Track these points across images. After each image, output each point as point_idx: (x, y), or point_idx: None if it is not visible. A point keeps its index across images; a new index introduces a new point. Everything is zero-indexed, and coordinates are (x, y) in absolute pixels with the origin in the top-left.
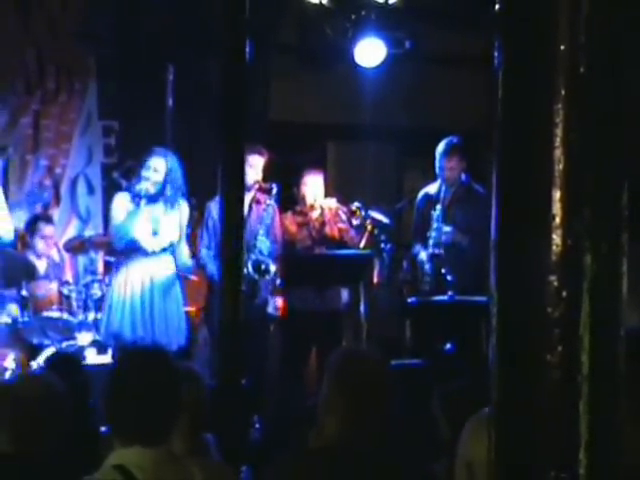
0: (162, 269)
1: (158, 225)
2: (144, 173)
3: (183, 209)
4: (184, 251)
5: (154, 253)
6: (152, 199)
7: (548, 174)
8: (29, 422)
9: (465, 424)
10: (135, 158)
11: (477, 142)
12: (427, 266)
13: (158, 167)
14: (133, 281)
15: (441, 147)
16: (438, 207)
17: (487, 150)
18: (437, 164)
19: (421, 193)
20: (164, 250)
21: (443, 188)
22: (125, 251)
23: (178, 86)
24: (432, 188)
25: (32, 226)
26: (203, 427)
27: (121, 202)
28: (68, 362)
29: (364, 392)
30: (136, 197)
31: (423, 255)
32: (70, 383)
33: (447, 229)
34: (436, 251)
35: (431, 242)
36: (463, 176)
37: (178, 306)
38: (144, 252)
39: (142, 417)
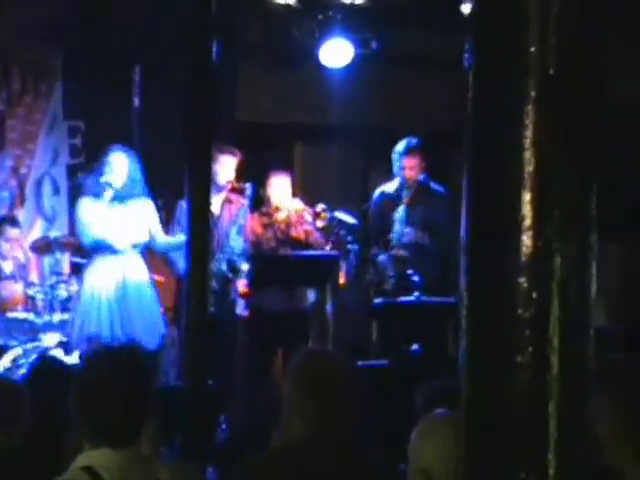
0: (134, 268)
1: (126, 222)
2: (107, 172)
3: (147, 205)
4: (161, 238)
5: (125, 251)
6: (118, 198)
7: (518, 176)
8: None
9: (415, 428)
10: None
11: (443, 143)
12: (389, 268)
13: (120, 165)
14: (106, 281)
15: (401, 147)
16: (400, 209)
17: (454, 151)
18: (396, 164)
19: (377, 191)
20: (135, 247)
21: (402, 188)
22: (95, 249)
23: (145, 86)
24: (389, 187)
25: None
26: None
27: (86, 205)
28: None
29: (326, 392)
30: (103, 197)
31: (383, 257)
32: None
33: (407, 230)
34: (399, 252)
35: (392, 243)
36: (421, 176)
37: (153, 305)
38: (114, 251)
39: (111, 418)
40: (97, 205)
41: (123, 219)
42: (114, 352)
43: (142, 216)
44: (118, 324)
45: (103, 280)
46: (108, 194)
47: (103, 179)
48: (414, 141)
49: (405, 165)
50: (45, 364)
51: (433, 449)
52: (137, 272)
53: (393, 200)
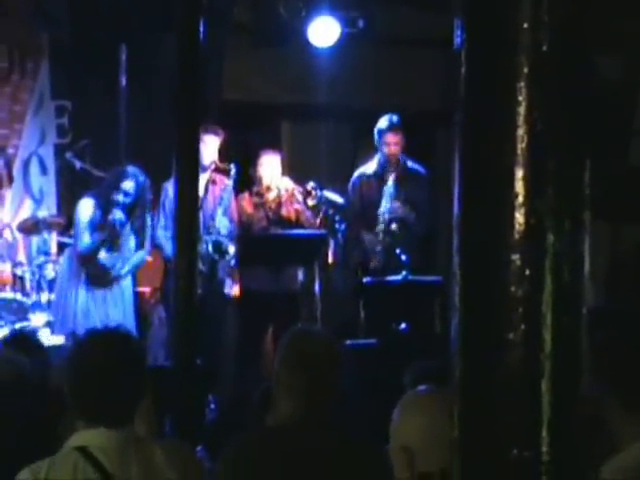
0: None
1: (121, 241)
2: (118, 198)
3: (147, 224)
4: (134, 261)
5: (111, 267)
6: (122, 223)
7: (511, 153)
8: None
9: (397, 405)
10: (88, 138)
11: (431, 122)
12: (377, 244)
13: (129, 190)
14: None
15: (385, 123)
16: (389, 184)
17: (441, 130)
18: (380, 139)
19: (356, 173)
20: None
21: (383, 167)
22: (87, 259)
23: (131, 66)
24: (368, 168)
25: None
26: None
27: (87, 208)
28: (27, 340)
29: (316, 371)
30: (110, 210)
31: (369, 236)
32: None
33: (396, 204)
34: (392, 227)
35: (383, 218)
36: (401, 155)
37: (129, 304)
38: (102, 264)
39: (106, 398)
40: (97, 211)
41: (119, 240)
42: (107, 333)
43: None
44: (94, 312)
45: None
46: (112, 214)
47: (114, 216)
48: (396, 118)
49: (390, 141)
50: (20, 338)
51: (415, 426)
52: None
53: (373, 180)
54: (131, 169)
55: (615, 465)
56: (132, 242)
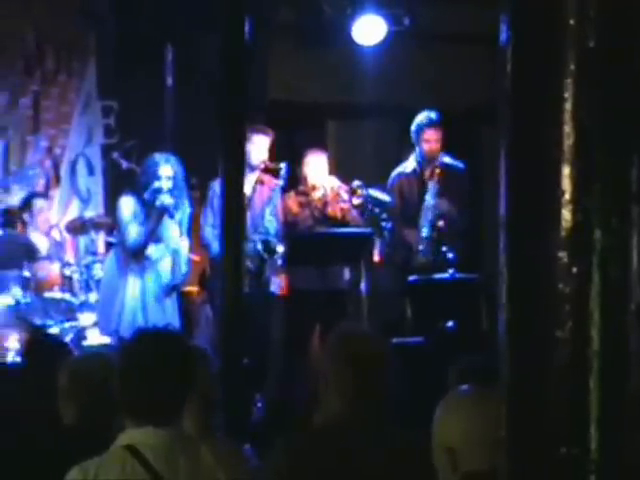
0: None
1: (164, 231)
2: (158, 184)
3: (186, 211)
4: (184, 256)
5: (157, 260)
6: (162, 208)
7: (557, 150)
8: (95, 397)
9: (439, 405)
10: (135, 138)
11: (477, 120)
12: (422, 245)
13: (169, 175)
14: (130, 277)
15: (423, 119)
16: (430, 185)
17: (487, 127)
18: (418, 137)
19: (394, 173)
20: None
21: (422, 165)
22: (134, 253)
23: (178, 66)
24: (407, 166)
25: (27, 203)
26: (215, 409)
27: (128, 204)
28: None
29: (366, 371)
30: (149, 203)
31: (415, 233)
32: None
33: (441, 200)
34: (439, 223)
35: (429, 214)
36: (441, 154)
37: (172, 309)
38: (148, 257)
39: (154, 397)
40: (139, 207)
41: (163, 228)
42: (155, 331)
43: (178, 222)
44: (141, 313)
45: (128, 276)
46: (159, 200)
47: (160, 201)
48: (435, 114)
49: (429, 138)
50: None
51: (457, 426)
52: (163, 272)
53: (413, 178)
54: (158, 156)
55: None
56: (175, 231)
